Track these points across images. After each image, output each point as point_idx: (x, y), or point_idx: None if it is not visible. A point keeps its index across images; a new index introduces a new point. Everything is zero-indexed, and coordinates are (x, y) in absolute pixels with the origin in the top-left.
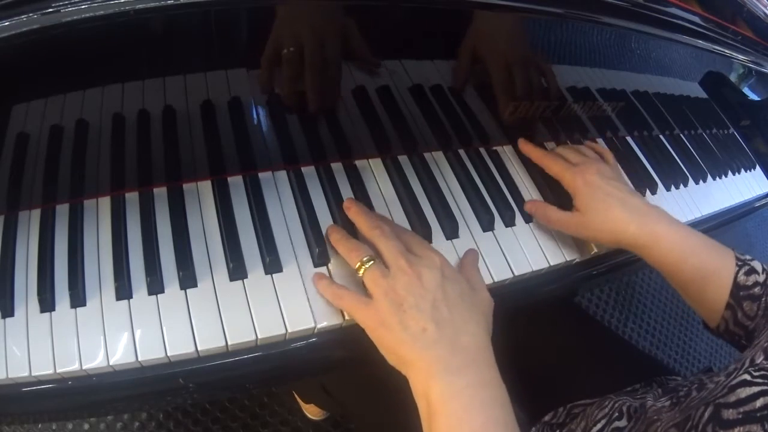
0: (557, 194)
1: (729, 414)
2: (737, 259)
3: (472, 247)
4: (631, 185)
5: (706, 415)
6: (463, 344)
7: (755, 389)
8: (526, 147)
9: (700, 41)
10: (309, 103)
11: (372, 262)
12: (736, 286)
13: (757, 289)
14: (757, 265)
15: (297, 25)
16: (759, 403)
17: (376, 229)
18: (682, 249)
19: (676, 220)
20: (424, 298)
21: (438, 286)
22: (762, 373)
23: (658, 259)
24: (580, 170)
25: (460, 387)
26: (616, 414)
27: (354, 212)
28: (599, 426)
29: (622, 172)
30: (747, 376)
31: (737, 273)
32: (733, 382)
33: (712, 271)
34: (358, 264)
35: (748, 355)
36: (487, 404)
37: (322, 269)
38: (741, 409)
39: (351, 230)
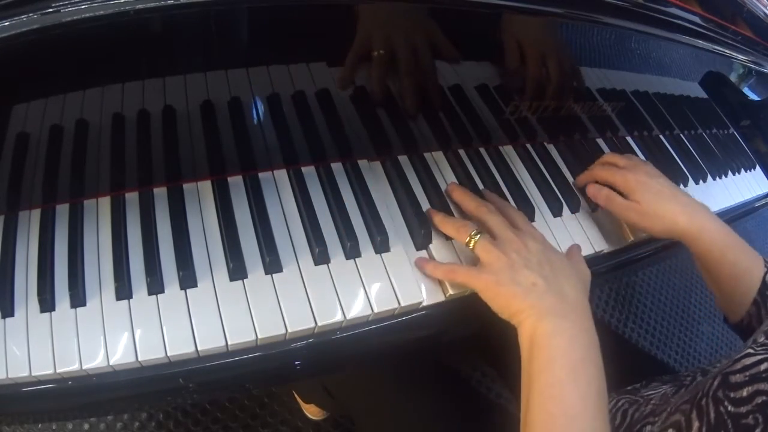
0: (557, 194)
1: (736, 378)
2: (765, 261)
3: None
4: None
5: (716, 383)
6: (567, 294)
7: (759, 357)
8: (581, 177)
9: (700, 41)
10: (309, 103)
11: (480, 234)
12: (764, 285)
13: None
14: None
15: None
16: (764, 366)
17: (482, 206)
18: (723, 243)
19: (716, 216)
20: (531, 260)
21: (541, 251)
22: (764, 347)
23: (702, 250)
24: (631, 171)
25: (564, 327)
26: (619, 417)
27: (459, 194)
28: None
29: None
30: (750, 350)
31: (766, 273)
32: (738, 356)
33: (745, 268)
34: (468, 238)
35: (751, 338)
36: (585, 345)
37: (323, 267)
38: (747, 373)
39: (351, 236)
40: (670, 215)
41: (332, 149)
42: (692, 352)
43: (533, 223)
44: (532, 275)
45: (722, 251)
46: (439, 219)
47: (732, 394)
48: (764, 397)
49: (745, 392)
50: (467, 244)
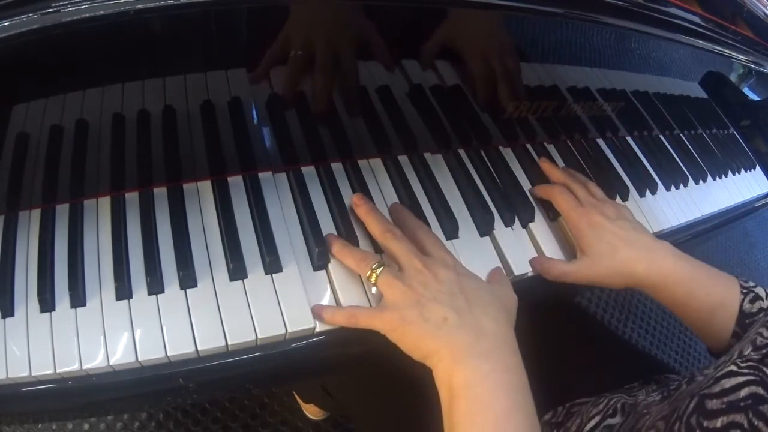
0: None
1: (713, 404)
2: (741, 287)
3: (472, 246)
4: (637, 221)
5: (691, 406)
6: (486, 330)
7: (741, 379)
8: (547, 165)
9: (700, 41)
10: (310, 103)
11: (382, 267)
12: (742, 314)
13: (761, 315)
14: (761, 291)
15: (299, 26)
16: (743, 392)
17: (387, 232)
18: (689, 284)
19: (681, 254)
20: (441, 291)
21: (453, 280)
22: (749, 364)
23: (667, 296)
24: (586, 211)
25: (485, 372)
26: (611, 411)
27: (364, 212)
28: (593, 423)
29: (630, 211)
30: (734, 367)
31: (743, 301)
32: (720, 374)
33: (718, 303)
34: (369, 272)
35: (738, 348)
36: (510, 390)
37: (321, 272)
38: (725, 399)
39: (351, 235)
40: (627, 264)
41: (332, 149)
42: (692, 352)
43: (531, 224)
44: (442, 309)
45: (690, 290)
46: (337, 248)
47: (705, 423)
48: (738, 431)
49: (719, 422)
50: (368, 278)
